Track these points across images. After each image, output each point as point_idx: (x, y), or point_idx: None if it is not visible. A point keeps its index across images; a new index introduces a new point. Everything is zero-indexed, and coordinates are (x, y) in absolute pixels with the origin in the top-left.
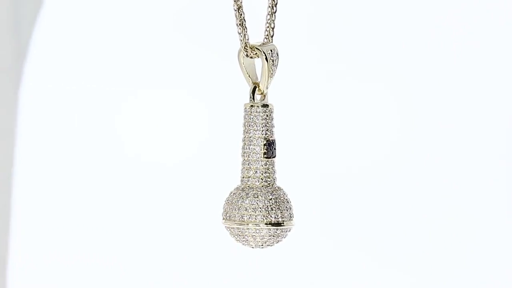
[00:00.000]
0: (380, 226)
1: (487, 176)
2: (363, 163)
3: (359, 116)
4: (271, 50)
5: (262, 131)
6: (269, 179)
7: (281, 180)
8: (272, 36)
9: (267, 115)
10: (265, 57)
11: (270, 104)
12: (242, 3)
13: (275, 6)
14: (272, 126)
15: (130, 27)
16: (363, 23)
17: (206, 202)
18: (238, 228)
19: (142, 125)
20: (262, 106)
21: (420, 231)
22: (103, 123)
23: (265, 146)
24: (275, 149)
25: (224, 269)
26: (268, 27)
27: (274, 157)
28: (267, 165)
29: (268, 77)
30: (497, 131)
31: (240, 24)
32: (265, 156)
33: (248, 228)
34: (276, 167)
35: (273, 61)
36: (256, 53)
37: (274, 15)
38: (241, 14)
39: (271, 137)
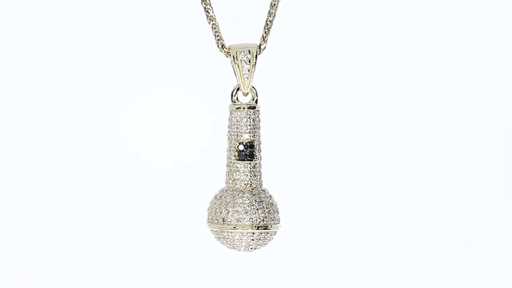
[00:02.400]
0: (382, 225)
1: (492, 173)
2: (368, 164)
3: (365, 116)
4: (243, 51)
5: (238, 133)
6: (253, 182)
7: (284, 181)
8: (265, 38)
9: (249, 117)
10: (232, 57)
11: (245, 105)
12: (210, 2)
13: (275, 9)
14: (253, 128)
15: (130, 27)
16: (371, 23)
17: (193, 204)
18: (223, 231)
19: (144, 127)
20: (236, 109)
21: (420, 230)
22: (101, 123)
23: (238, 149)
24: (250, 151)
25: (223, 269)
26: (265, 28)
27: (249, 160)
28: (251, 168)
29: (241, 78)
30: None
31: (210, 23)
32: (237, 158)
33: (234, 232)
34: (263, 169)
35: (247, 61)
36: (229, 53)
37: (273, 17)
38: (208, 12)
39: (246, 139)
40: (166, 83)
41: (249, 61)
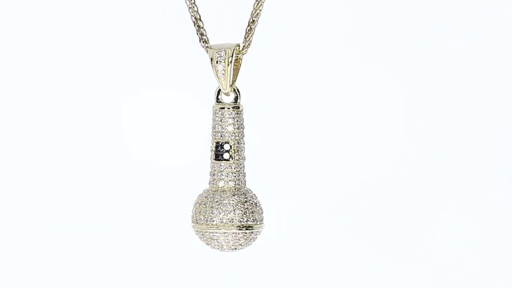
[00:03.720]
0: (381, 225)
1: (493, 173)
2: (367, 164)
3: (362, 116)
4: (218, 51)
5: (220, 133)
6: (236, 182)
7: (286, 179)
8: (246, 37)
9: (232, 117)
10: (210, 56)
11: (228, 105)
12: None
13: (258, 8)
14: (237, 128)
15: (131, 27)
16: (366, 21)
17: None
18: (208, 232)
19: (143, 127)
20: (220, 108)
21: (420, 230)
22: (99, 123)
23: (215, 149)
24: (225, 151)
25: (222, 269)
26: (248, 29)
27: (225, 160)
28: (233, 168)
29: (217, 77)
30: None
31: (194, 22)
32: (214, 158)
33: (218, 232)
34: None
35: (222, 61)
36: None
37: (256, 17)
38: (194, 11)
39: (222, 139)
40: (166, 83)
41: (224, 61)
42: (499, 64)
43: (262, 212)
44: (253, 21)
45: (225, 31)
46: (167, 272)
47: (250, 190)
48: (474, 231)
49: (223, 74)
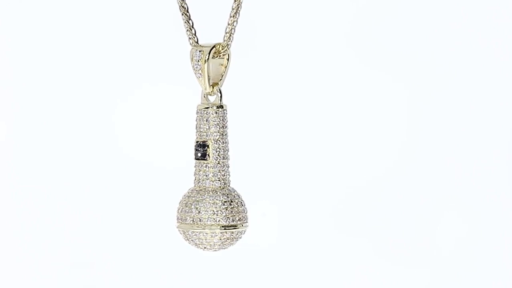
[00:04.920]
0: (381, 224)
1: (494, 173)
2: (366, 163)
3: (368, 115)
4: (196, 51)
5: (197, 132)
6: (220, 181)
7: (287, 178)
8: (227, 36)
9: (217, 116)
10: (190, 56)
11: (213, 104)
12: (187, 4)
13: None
14: (221, 127)
15: (130, 27)
16: (363, 20)
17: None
18: (193, 231)
19: (142, 126)
20: (204, 108)
21: (422, 228)
22: (97, 122)
23: (195, 148)
24: (203, 151)
25: (207, 269)
26: (230, 28)
27: (203, 159)
28: (215, 167)
29: (196, 77)
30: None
31: (184, 21)
32: (195, 158)
33: (203, 232)
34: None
35: (197, 61)
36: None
37: (237, 16)
38: (185, 13)
39: (201, 138)
40: (166, 83)
41: (198, 61)
42: (505, 67)
43: (246, 212)
44: (232, 21)
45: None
46: (151, 272)
47: (234, 190)
48: (474, 231)
49: (201, 74)
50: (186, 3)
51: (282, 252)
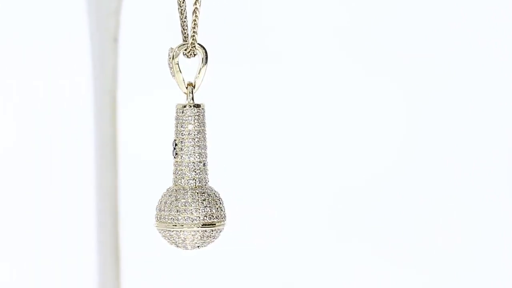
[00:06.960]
0: (381, 225)
1: (495, 174)
2: (370, 164)
3: (366, 115)
4: (170, 48)
5: (175, 131)
6: (197, 181)
7: (286, 178)
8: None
9: (176, 116)
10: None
11: (179, 104)
12: (185, 7)
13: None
14: (198, 125)
15: (130, 26)
16: (373, 20)
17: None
18: (171, 230)
19: (142, 126)
20: (182, 107)
21: (422, 228)
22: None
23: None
24: (173, 150)
25: (221, 269)
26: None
27: (174, 157)
28: (194, 166)
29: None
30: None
31: (181, 21)
32: (173, 156)
33: (182, 231)
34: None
35: (170, 59)
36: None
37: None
38: (182, 15)
39: (176, 137)
40: (166, 82)
41: (169, 59)
42: (505, 69)
43: (224, 210)
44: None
45: (223, 31)
46: (131, 271)
47: (212, 188)
48: (474, 231)
49: (172, 73)
50: (184, 3)
51: (281, 252)
